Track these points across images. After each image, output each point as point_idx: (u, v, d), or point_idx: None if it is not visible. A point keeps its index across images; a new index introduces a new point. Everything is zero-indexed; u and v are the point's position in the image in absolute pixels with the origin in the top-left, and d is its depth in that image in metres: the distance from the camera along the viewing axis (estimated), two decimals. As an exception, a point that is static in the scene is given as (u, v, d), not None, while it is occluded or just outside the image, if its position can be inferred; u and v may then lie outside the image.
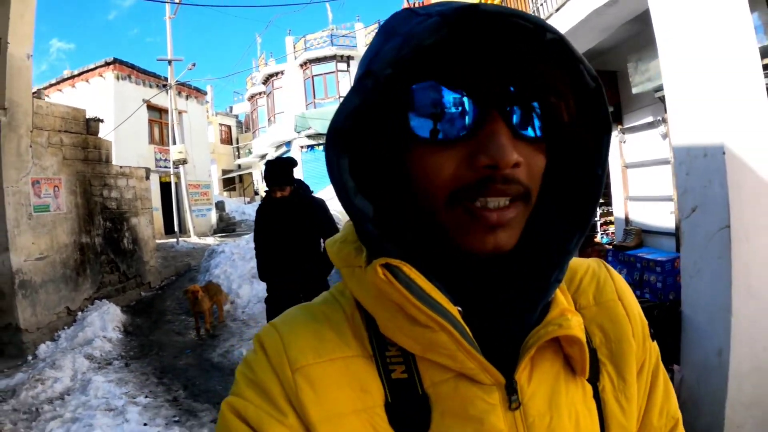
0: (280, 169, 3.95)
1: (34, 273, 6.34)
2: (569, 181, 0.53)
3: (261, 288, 6.55)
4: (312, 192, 4.26)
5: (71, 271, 7.01)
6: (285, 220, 3.95)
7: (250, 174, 28.87)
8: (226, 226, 19.26)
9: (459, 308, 0.47)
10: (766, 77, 3.18)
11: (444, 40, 0.43)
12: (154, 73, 17.03)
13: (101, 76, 15.57)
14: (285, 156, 4.19)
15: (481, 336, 0.48)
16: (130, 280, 8.48)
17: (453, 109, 0.44)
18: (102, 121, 7.97)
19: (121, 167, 8.56)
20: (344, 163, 0.47)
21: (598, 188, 0.52)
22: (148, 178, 9.65)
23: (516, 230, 0.47)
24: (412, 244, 0.49)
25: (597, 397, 0.54)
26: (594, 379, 0.55)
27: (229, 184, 28.02)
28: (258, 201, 15.19)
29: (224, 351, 5.64)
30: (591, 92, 0.48)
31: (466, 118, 0.44)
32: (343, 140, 0.47)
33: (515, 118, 0.45)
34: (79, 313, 6.88)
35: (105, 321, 6.41)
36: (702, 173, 2.75)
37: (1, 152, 6.06)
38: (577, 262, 0.63)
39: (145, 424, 3.57)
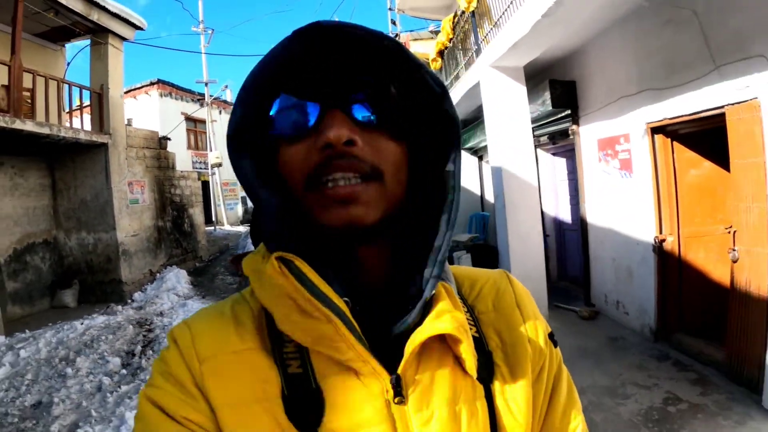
0: None
1: (130, 245, 9.35)
2: (436, 181, 0.57)
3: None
4: None
5: (152, 245, 10.06)
6: None
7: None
8: (250, 217, 22.28)
9: (347, 299, 0.51)
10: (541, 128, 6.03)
11: (297, 53, 0.52)
12: (190, 90, 20.19)
13: (147, 93, 18.67)
14: None
15: (370, 333, 0.51)
16: (189, 253, 11.54)
17: (301, 112, 0.52)
18: (170, 139, 10.99)
19: (181, 172, 11.67)
20: (245, 164, 0.55)
21: (454, 184, 0.56)
22: (199, 179, 12.71)
23: (372, 207, 0.51)
24: (305, 237, 0.53)
25: (489, 398, 0.56)
26: (487, 380, 0.57)
27: None
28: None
29: (261, 293, 8.55)
30: (439, 96, 0.55)
31: (311, 116, 0.51)
32: (237, 144, 0.55)
33: (354, 109, 0.51)
34: (158, 274, 9.88)
35: (178, 278, 9.37)
36: (498, 179, 5.56)
37: (110, 163, 9.05)
38: (479, 273, 0.69)
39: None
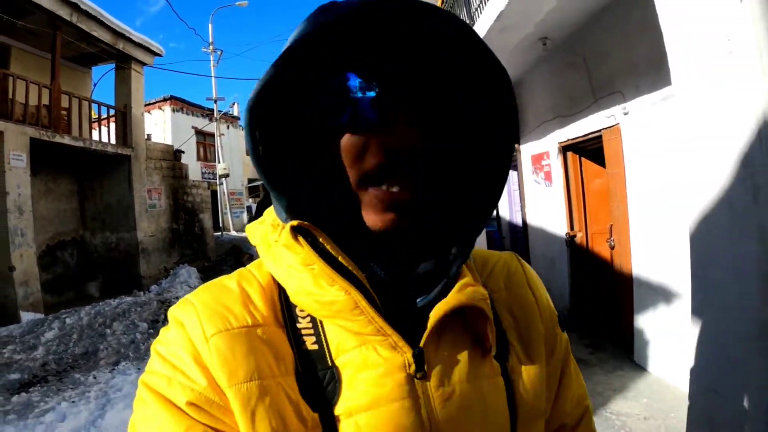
0: None
1: (148, 244, 10.70)
2: (479, 170, 0.55)
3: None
4: None
5: (167, 245, 11.45)
6: None
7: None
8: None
9: (365, 273, 0.50)
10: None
11: (363, 29, 0.46)
12: (200, 105, 21.71)
13: (161, 108, 20.19)
14: None
15: (388, 305, 0.50)
16: (198, 254, 12.90)
17: (365, 100, 0.47)
18: (183, 152, 12.40)
19: (193, 181, 13.11)
20: (259, 139, 0.50)
21: (503, 177, 0.55)
22: (208, 188, 14.13)
23: (416, 211, 0.50)
24: (321, 215, 0.51)
25: (506, 376, 0.55)
26: (503, 359, 0.56)
27: (253, 191, 29.95)
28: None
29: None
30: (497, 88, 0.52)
31: (376, 108, 0.47)
32: (257, 116, 0.49)
33: (421, 107, 0.48)
34: (171, 271, 11.18)
35: (189, 274, 10.65)
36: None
37: (132, 173, 10.44)
38: (490, 253, 0.67)
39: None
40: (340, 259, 0.49)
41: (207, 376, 0.49)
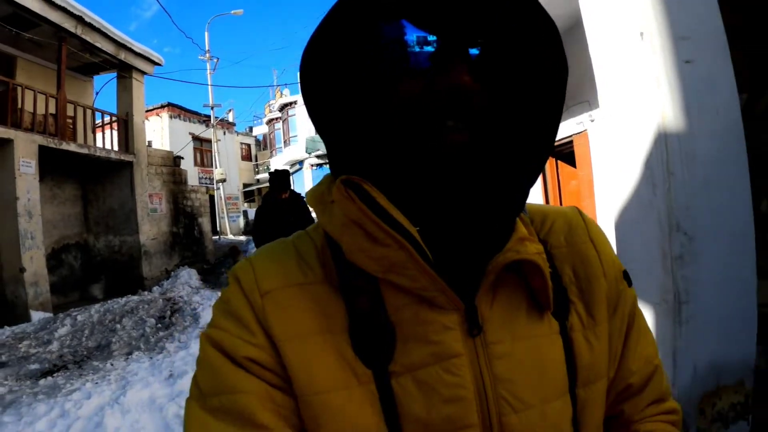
0: (283, 178, 5.32)
1: (150, 247, 11.11)
2: (532, 119, 0.52)
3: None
4: (304, 197, 5.10)
5: (168, 248, 11.86)
6: (286, 214, 5.11)
7: (268, 188, 31.37)
8: (251, 229, 24.02)
9: (417, 228, 0.48)
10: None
11: None
12: (197, 112, 22.20)
13: (158, 115, 20.64)
14: (281, 169, 5.49)
15: (441, 262, 0.49)
16: (198, 256, 13.32)
17: (421, 45, 0.47)
18: (183, 158, 12.83)
19: (192, 186, 13.54)
20: (320, 83, 0.52)
21: (555, 126, 0.52)
22: (206, 193, 14.56)
23: (470, 154, 0.47)
24: (373, 171, 0.50)
25: (564, 334, 0.54)
26: (562, 317, 0.55)
27: (248, 196, 30.56)
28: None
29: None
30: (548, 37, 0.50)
31: (433, 53, 0.47)
32: (312, 69, 0.52)
33: (476, 52, 0.47)
34: (172, 273, 11.57)
35: (190, 275, 11.03)
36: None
37: (134, 178, 10.85)
38: (550, 208, 0.65)
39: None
40: (391, 212, 0.48)
41: (262, 332, 0.50)
